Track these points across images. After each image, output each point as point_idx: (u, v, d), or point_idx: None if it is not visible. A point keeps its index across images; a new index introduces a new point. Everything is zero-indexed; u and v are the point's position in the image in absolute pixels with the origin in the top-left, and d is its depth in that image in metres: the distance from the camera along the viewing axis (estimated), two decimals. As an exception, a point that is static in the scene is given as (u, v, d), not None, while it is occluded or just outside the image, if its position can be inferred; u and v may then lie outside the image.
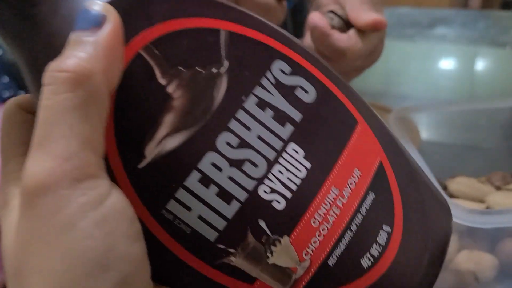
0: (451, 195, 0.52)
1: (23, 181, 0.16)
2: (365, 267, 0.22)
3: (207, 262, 0.20)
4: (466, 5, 1.34)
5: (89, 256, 0.16)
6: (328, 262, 0.21)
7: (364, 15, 0.46)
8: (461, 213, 0.39)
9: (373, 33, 0.47)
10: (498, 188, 0.51)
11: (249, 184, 0.20)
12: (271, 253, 0.20)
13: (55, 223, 0.16)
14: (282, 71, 0.22)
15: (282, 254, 0.21)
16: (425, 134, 0.63)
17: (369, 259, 0.22)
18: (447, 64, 1.02)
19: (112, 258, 0.16)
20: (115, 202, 0.17)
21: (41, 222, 0.16)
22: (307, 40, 0.49)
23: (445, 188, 0.54)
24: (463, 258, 0.45)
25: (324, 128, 0.22)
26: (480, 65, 0.94)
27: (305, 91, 0.22)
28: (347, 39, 0.45)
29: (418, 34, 1.20)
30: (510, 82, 0.87)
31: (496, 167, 0.59)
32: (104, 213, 0.16)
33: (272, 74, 0.22)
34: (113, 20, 0.18)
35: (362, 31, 0.47)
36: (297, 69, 0.22)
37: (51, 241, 0.16)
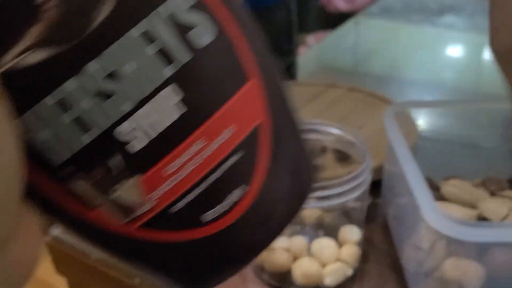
0: (443, 198, 0.50)
1: None
2: (206, 220, 0.22)
3: (51, 181, 0.20)
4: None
5: None
6: (172, 208, 0.22)
7: None
8: (447, 224, 0.38)
9: None
10: (492, 194, 0.49)
11: (110, 119, 0.19)
12: (117, 188, 0.20)
13: None
14: (184, 3, 0.20)
15: (128, 191, 0.21)
16: (423, 130, 0.61)
17: (213, 214, 0.22)
18: (454, 51, 0.99)
19: None
20: None
21: None
22: None
23: (437, 189, 0.52)
24: (449, 266, 0.43)
25: (210, 77, 0.21)
26: (488, 53, 0.92)
27: (202, 32, 0.21)
28: None
29: (426, 20, 1.17)
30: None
31: (494, 167, 0.57)
32: None
33: (173, 4, 0.20)
34: None
35: None
36: (202, 5, 0.20)
37: None
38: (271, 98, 0.23)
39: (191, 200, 0.22)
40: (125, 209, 0.21)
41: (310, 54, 1.34)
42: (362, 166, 0.43)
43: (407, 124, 0.59)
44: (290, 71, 0.88)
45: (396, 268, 0.49)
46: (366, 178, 0.43)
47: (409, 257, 0.47)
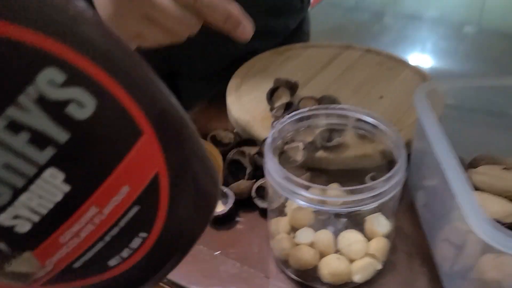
0: (475, 187, 0.47)
1: None
2: (111, 266, 0.23)
3: None
4: None
5: None
6: (73, 266, 0.22)
7: None
8: (498, 237, 0.35)
9: None
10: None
11: None
12: (10, 264, 0.20)
13: None
14: (52, 82, 0.18)
15: (22, 264, 0.20)
16: (451, 100, 0.57)
17: (117, 260, 0.23)
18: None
19: None
20: None
21: None
22: None
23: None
24: (487, 265, 0.41)
25: (96, 148, 0.20)
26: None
27: (81, 105, 0.19)
28: None
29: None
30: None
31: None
32: None
33: (36, 88, 0.17)
34: None
35: None
36: (75, 77, 0.18)
37: None
38: (166, 143, 0.22)
39: (93, 255, 0.22)
40: (23, 277, 0.21)
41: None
42: (398, 164, 0.39)
43: (433, 95, 0.55)
44: (302, 28, 0.83)
45: (426, 259, 0.47)
46: (401, 177, 0.39)
47: (443, 255, 0.45)
